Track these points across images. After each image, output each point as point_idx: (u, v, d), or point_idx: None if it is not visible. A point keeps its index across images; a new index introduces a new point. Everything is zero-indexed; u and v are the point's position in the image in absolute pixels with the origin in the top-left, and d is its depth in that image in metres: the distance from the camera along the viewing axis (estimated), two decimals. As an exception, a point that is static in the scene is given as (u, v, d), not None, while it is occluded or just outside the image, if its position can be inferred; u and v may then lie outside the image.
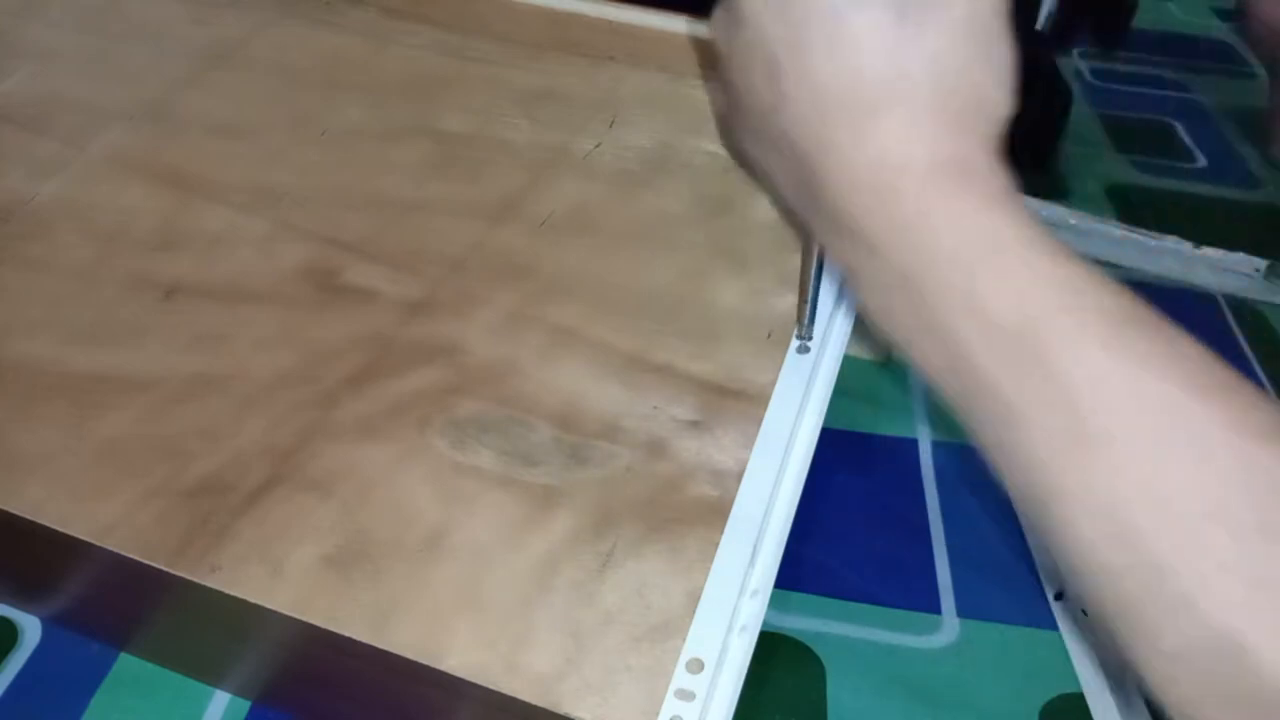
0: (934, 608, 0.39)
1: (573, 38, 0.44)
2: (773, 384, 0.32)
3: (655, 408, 0.31)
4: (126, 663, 0.36)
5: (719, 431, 0.31)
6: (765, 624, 0.27)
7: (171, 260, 0.37)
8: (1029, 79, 0.28)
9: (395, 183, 0.39)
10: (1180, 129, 0.71)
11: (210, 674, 0.35)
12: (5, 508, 0.30)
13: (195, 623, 0.33)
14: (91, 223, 0.39)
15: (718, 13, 0.30)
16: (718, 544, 0.28)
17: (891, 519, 0.43)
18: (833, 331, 0.33)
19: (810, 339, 0.33)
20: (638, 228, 0.37)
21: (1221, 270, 0.56)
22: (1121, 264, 0.56)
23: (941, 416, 0.48)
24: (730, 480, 0.30)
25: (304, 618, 0.28)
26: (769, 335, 0.33)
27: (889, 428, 0.47)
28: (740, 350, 0.33)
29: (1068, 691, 0.37)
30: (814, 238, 0.31)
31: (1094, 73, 0.78)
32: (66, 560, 0.32)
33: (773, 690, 0.36)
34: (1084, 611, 0.38)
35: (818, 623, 0.39)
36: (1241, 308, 0.55)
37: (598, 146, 0.40)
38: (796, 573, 0.40)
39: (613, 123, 0.41)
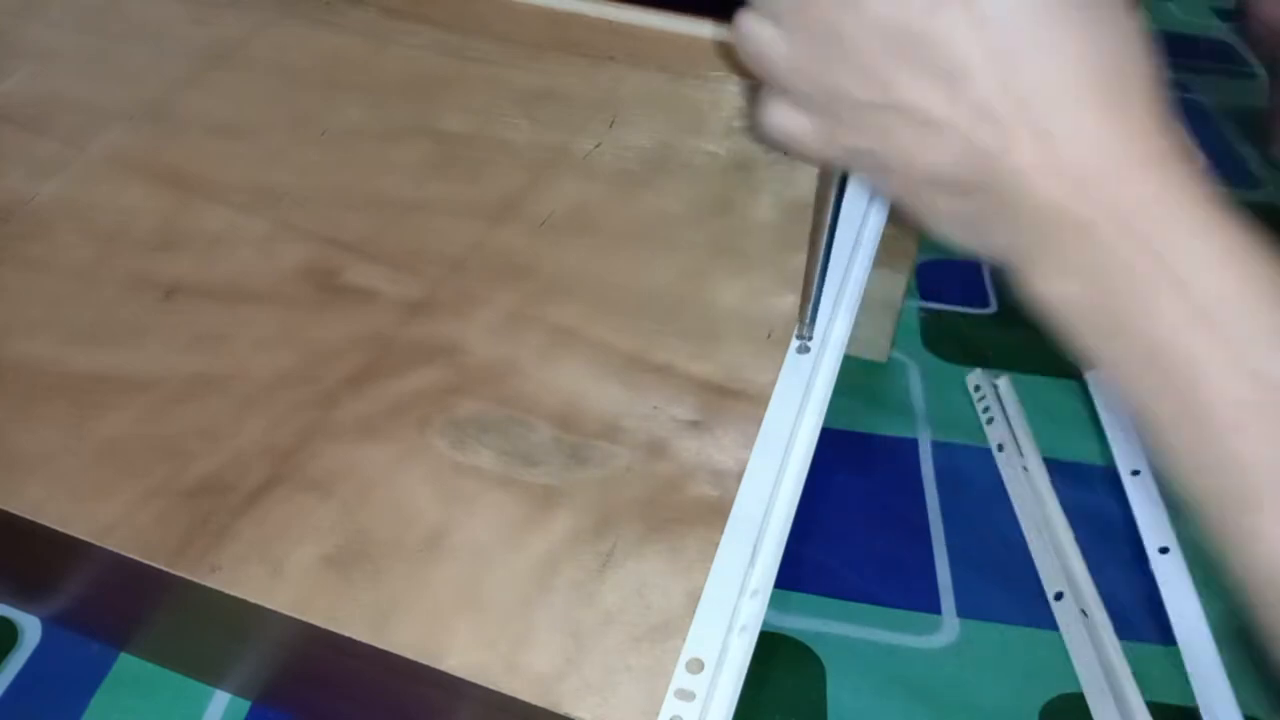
0: (934, 608, 0.39)
1: (573, 38, 0.44)
2: (773, 384, 0.32)
3: (655, 408, 0.31)
4: (126, 663, 0.36)
5: (719, 431, 0.31)
6: (765, 624, 0.27)
7: (171, 260, 0.37)
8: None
9: (395, 183, 0.39)
10: (1180, 129, 0.71)
11: (210, 674, 0.35)
12: (5, 508, 0.30)
13: (195, 623, 0.33)
14: (91, 223, 0.39)
15: (863, 18, 0.27)
16: (718, 544, 0.28)
17: (891, 519, 0.43)
18: (833, 331, 0.33)
19: (810, 339, 0.33)
20: (638, 228, 0.37)
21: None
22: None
23: (941, 416, 0.48)
24: (730, 480, 0.30)
25: (304, 618, 0.27)
26: (769, 335, 0.33)
27: (889, 428, 0.47)
28: (740, 350, 0.33)
29: (1068, 691, 0.37)
30: (959, 230, 0.29)
31: (1094, 73, 0.78)
32: (66, 560, 0.32)
33: (773, 690, 0.36)
34: (1084, 612, 0.38)
35: (818, 623, 0.39)
36: (1241, 308, 0.54)
37: (598, 146, 0.40)
38: (796, 573, 0.40)
39: (613, 123, 0.41)
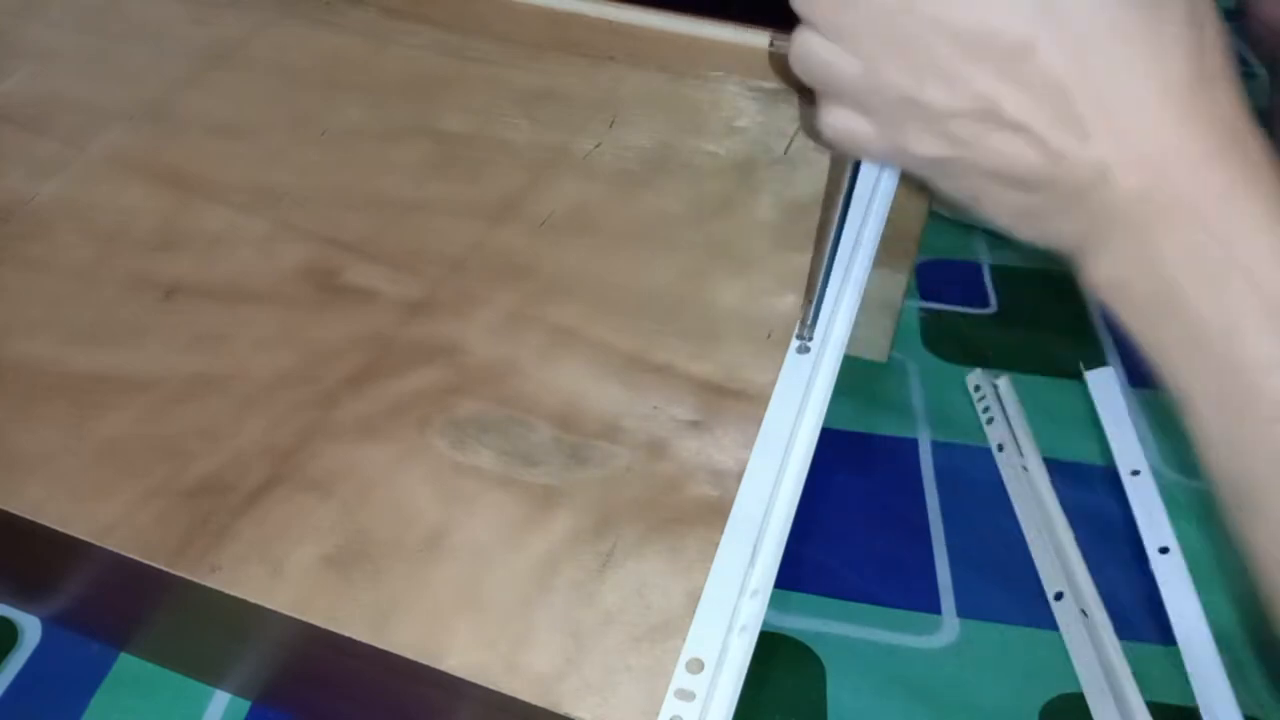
0: (934, 608, 0.39)
1: (573, 38, 0.44)
2: (773, 384, 0.32)
3: (655, 408, 0.31)
4: (126, 663, 0.36)
5: (719, 431, 0.31)
6: (765, 624, 0.27)
7: (171, 260, 0.37)
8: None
9: (395, 183, 0.39)
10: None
11: (210, 674, 0.35)
12: (5, 508, 0.30)
13: (195, 623, 0.33)
14: (91, 223, 0.39)
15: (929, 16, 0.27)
16: (718, 544, 0.28)
17: (891, 519, 0.43)
18: (833, 331, 0.33)
19: (811, 339, 0.33)
20: (638, 228, 0.37)
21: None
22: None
23: (941, 416, 0.48)
24: (730, 480, 0.30)
25: (304, 618, 0.27)
26: (769, 335, 0.33)
27: (889, 428, 0.47)
28: (740, 350, 0.33)
29: (1068, 691, 0.37)
30: (1009, 214, 0.29)
31: (1094, 73, 0.78)
32: (66, 560, 0.32)
33: (773, 690, 0.36)
34: (1084, 612, 0.38)
35: (818, 623, 0.39)
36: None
37: (598, 146, 0.40)
38: (796, 573, 0.40)
39: (613, 123, 0.41)
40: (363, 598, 0.28)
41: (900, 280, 0.47)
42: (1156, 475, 0.42)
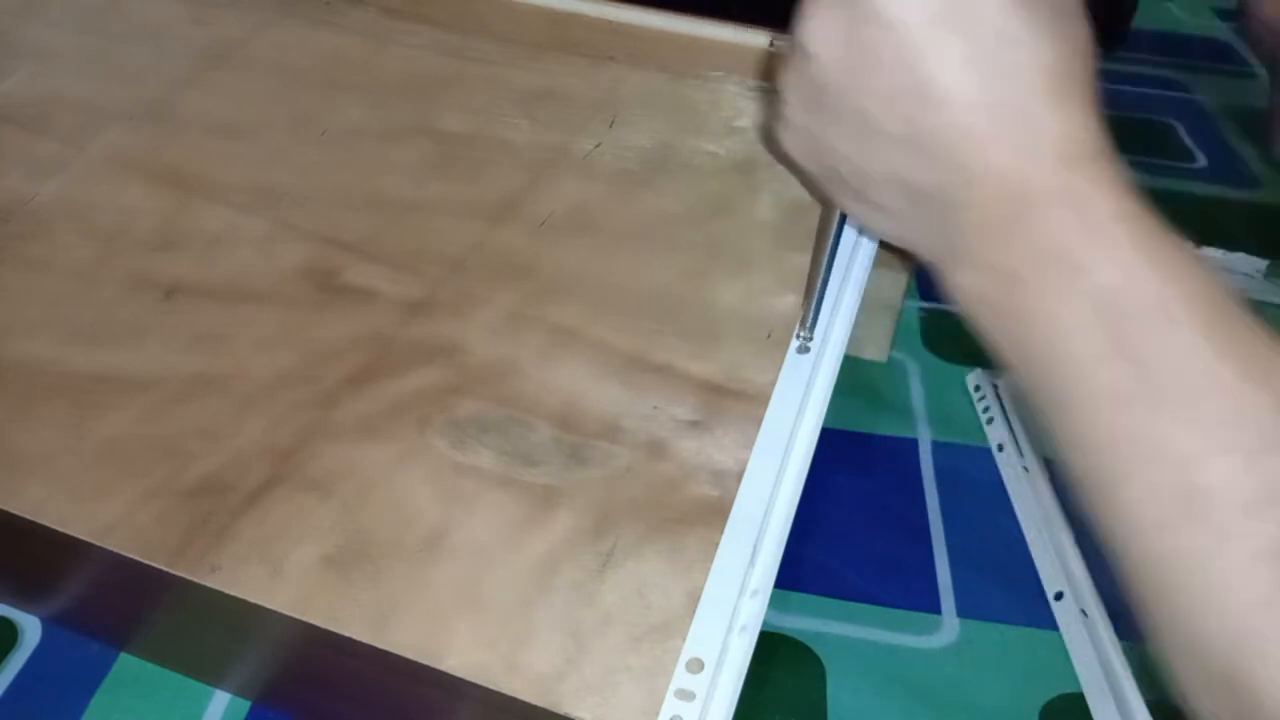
0: (934, 608, 0.39)
1: (573, 38, 0.44)
2: (773, 384, 0.32)
3: (655, 408, 0.31)
4: (126, 663, 0.36)
5: (719, 431, 0.31)
6: (765, 624, 0.27)
7: (171, 260, 0.37)
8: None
9: (395, 183, 0.39)
10: (1180, 129, 0.71)
11: (210, 674, 0.35)
12: (5, 508, 0.30)
13: (195, 623, 0.33)
14: (91, 223, 0.39)
15: (821, 17, 0.29)
16: (718, 544, 0.28)
17: (891, 519, 0.43)
18: (833, 331, 0.33)
19: (811, 339, 0.33)
20: (638, 228, 0.37)
21: (1221, 270, 0.56)
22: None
23: (941, 416, 0.48)
24: (730, 480, 0.30)
25: (304, 618, 0.27)
26: (769, 335, 0.33)
27: (889, 428, 0.47)
28: (740, 350, 0.33)
29: (1068, 691, 0.37)
30: (893, 226, 0.31)
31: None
32: (66, 560, 0.32)
33: (773, 690, 0.36)
34: (1084, 612, 0.38)
35: (818, 623, 0.39)
36: (1242, 308, 0.55)
37: (598, 146, 0.40)
38: (796, 573, 0.40)
39: (613, 123, 0.41)
40: (363, 598, 0.28)
41: (900, 280, 0.47)
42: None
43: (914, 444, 0.46)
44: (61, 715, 0.34)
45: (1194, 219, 0.61)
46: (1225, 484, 0.23)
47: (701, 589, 0.27)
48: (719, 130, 0.40)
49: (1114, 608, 0.38)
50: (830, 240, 0.32)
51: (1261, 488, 0.23)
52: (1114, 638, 0.37)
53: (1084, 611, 0.38)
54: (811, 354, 0.33)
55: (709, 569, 0.28)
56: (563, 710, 0.26)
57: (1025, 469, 0.44)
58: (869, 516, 0.43)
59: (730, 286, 0.35)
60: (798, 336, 0.33)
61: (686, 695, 0.26)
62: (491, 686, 0.26)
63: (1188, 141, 0.70)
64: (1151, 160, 0.67)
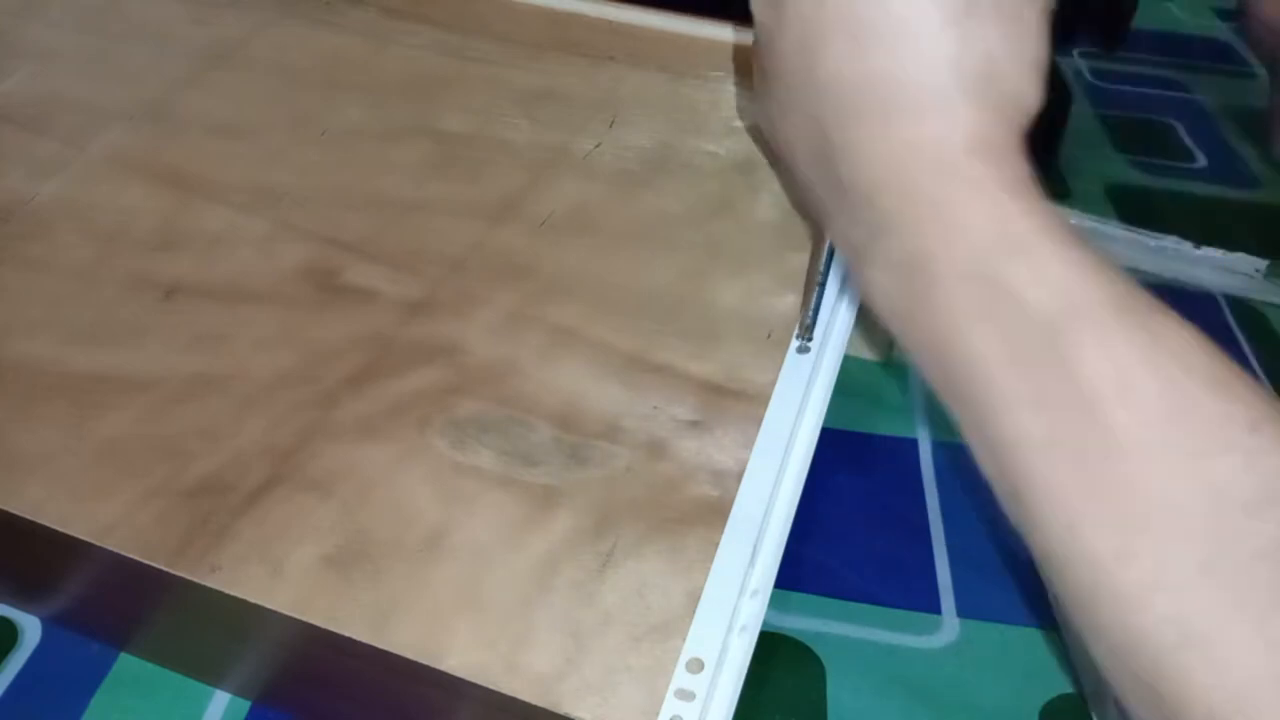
0: (934, 608, 0.39)
1: (573, 38, 0.44)
2: (773, 384, 0.32)
3: (655, 408, 0.31)
4: (126, 663, 0.36)
5: (719, 431, 0.31)
6: (765, 624, 0.27)
7: (171, 260, 0.37)
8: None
9: (395, 183, 0.39)
10: (1180, 129, 0.71)
11: (210, 674, 0.35)
12: (5, 508, 0.30)
13: (195, 623, 0.33)
14: (91, 223, 0.39)
15: None
16: (718, 544, 0.28)
17: (891, 519, 0.43)
18: (833, 331, 0.33)
19: (811, 339, 0.33)
20: (638, 228, 0.37)
21: (1221, 270, 0.56)
22: (1121, 264, 0.56)
23: (942, 416, 0.48)
24: (730, 480, 0.30)
25: (304, 618, 0.27)
26: (769, 335, 0.33)
27: (889, 428, 0.47)
28: (740, 350, 0.33)
29: (1068, 691, 0.37)
30: (824, 221, 0.31)
31: (1094, 73, 0.78)
32: (66, 560, 0.32)
33: (773, 690, 0.36)
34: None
35: (818, 623, 0.39)
36: (1241, 308, 0.55)
37: (598, 146, 0.40)
38: (796, 573, 0.40)
39: (613, 123, 0.41)
40: (363, 598, 0.28)
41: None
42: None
43: (914, 444, 0.46)
44: (61, 715, 0.34)
45: (1194, 219, 0.61)
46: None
47: (701, 589, 0.27)
48: (719, 130, 0.40)
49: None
50: (828, 240, 0.32)
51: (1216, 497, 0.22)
52: (1114, 638, 0.37)
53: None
54: (811, 354, 0.33)
55: (709, 569, 0.28)
56: (563, 710, 0.26)
57: (1025, 469, 0.44)
58: (869, 516, 0.43)
59: (730, 286, 0.35)
60: (798, 336, 0.33)
61: (686, 695, 0.26)
62: (491, 686, 0.26)
63: (1188, 141, 0.70)
64: (1151, 160, 0.67)
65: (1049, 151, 0.64)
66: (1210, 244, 0.57)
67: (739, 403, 0.31)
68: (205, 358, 0.34)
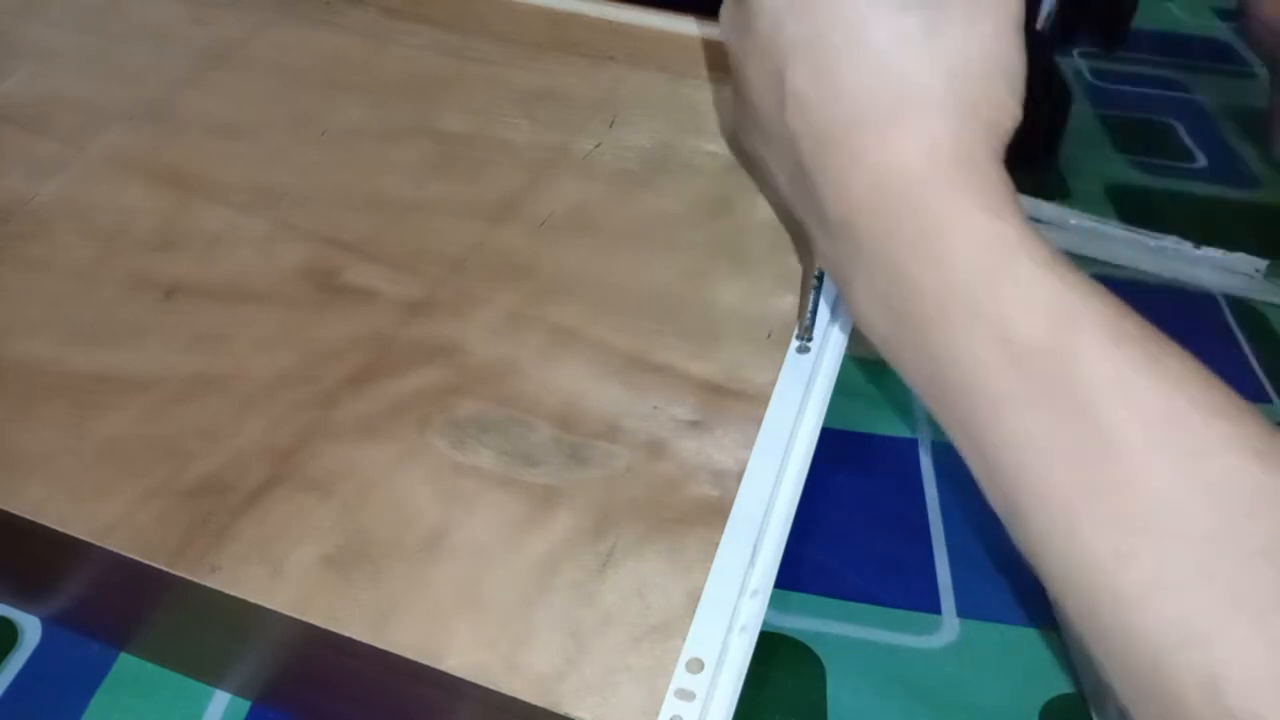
0: (934, 608, 0.39)
1: (573, 38, 0.44)
2: (773, 384, 0.32)
3: (655, 408, 0.31)
4: (126, 663, 0.36)
5: (719, 431, 0.31)
6: (765, 624, 0.27)
7: (171, 260, 0.37)
8: (1029, 79, 0.28)
9: (395, 183, 0.39)
10: (1180, 129, 0.71)
11: (210, 674, 0.35)
12: (5, 508, 0.30)
13: (195, 623, 0.33)
14: (91, 223, 0.39)
15: (727, 6, 0.30)
16: (718, 544, 0.28)
17: (891, 519, 0.43)
18: (833, 331, 0.33)
19: (810, 339, 0.33)
20: (638, 228, 0.37)
21: (1221, 270, 0.56)
22: (1121, 264, 0.56)
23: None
24: (730, 480, 0.30)
25: (304, 618, 0.27)
26: (769, 335, 0.33)
27: (889, 428, 0.47)
28: (740, 350, 0.33)
29: (1068, 691, 0.37)
30: (813, 245, 0.31)
31: (1094, 73, 0.78)
32: (66, 560, 0.32)
33: (773, 690, 0.36)
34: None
35: (818, 623, 0.39)
36: (1241, 308, 0.55)
37: (598, 146, 0.40)
38: (796, 573, 0.40)
39: (613, 123, 0.41)
40: (363, 598, 0.28)
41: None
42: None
43: (914, 444, 0.46)
44: (61, 715, 0.34)
45: (1194, 219, 0.61)
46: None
47: (701, 589, 0.27)
48: (719, 130, 0.40)
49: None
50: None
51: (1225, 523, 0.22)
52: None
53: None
54: (811, 354, 0.33)
55: (709, 569, 0.28)
56: (563, 710, 0.26)
57: (1025, 469, 0.44)
58: (869, 516, 0.43)
59: (730, 286, 0.35)
60: (798, 336, 0.33)
61: (686, 695, 0.26)
62: (491, 686, 0.26)
63: (1188, 141, 0.70)
64: (1151, 160, 0.67)
65: (1049, 151, 0.64)
66: (1210, 244, 0.57)
67: (739, 403, 0.31)
68: (205, 358, 0.34)
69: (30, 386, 0.33)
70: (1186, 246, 0.57)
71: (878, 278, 0.27)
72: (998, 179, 0.26)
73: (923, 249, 0.25)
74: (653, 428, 0.31)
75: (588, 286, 0.35)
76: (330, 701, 0.34)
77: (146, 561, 0.29)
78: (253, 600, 0.28)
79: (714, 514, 0.29)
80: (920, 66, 0.26)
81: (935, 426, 0.47)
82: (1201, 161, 0.68)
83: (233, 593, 0.28)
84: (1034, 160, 0.64)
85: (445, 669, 0.26)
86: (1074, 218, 0.58)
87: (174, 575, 0.29)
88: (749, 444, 0.30)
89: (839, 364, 0.33)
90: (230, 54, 0.45)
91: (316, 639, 0.28)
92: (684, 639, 0.27)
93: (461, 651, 0.27)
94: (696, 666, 0.26)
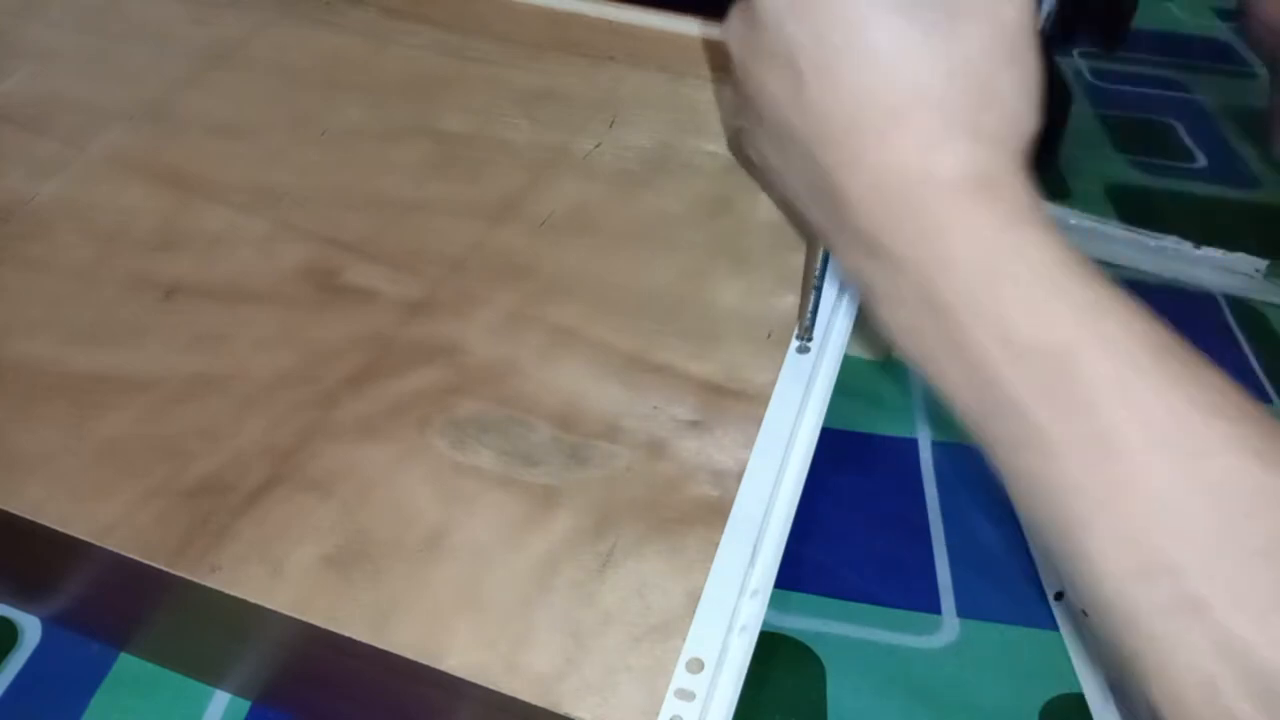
0: (934, 608, 0.39)
1: (573, 38, 0.44)
2: (773, 384, 0.32)
3: (655, 408, 0.31)
4: (126, 663, 0.36)
5: (719, 431, 0.31)
6: (765, 624, 0.27)
7: (171, 260, 0.37)
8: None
9: (395, 183, 0.39)
10: (1180, 129, 0.71)
11: (210, 674, 0.35)
12: (5, 508, 0.30)
13: (195, 623, 0.33)
14: (91, 223, 0.39)
15: (733, 14, 0.29)
16: (718, 544, 0.28)
17: (891, 519, 0.43)
18: (833, 331, 0.33)
19: (810, 339, 0.33)
20: (638, 228, 0.37)
21: (1221, 270, 0.56)
22: (1121, 264, 0.56)
23: (941, 416, 0.48)
24: (730, 480, 0.30)
25: (304, 618, 0.27)
26: (769, 335, 0.33)
27: (889, 428, 0.47)
28: (740, 350, 0.33)
29: (1068, 691, 0.37)
30: (829, 248, 0.30)
31: (1094, 73, 0.78)
32: (66, 560, 0.32)
33: (773, 690, 0.36)
34: (1085, 612, 0.38)
35: (818, 623, 0.39)
36: (1241, 308, 0.55)
37: (598, 146, 0.40)
38: (796, 573, 0.40)
39: (613, 123, 0.41)
40: (363, 598, 0.28)
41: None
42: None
43: (914, 444, 0.46)
44: (61, 715, 0.34)
45: (1194, 219, 0.61)
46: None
47: (701, 589, 0.27)
48: (719, 130, 0.40)
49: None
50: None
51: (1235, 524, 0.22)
52: (1114, 638, 0.37)
53: (1084, 611, 0.38)
54: (811, 354, 0.33)
55: (709, 569, 0.28)
56: (563, 710, 0.26)
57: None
58: (869, 516, 0.43)
59: (730, 286, 0.35)
60: (798, 336, 0.33)
61: (686, 695, 0.26)
62: (491, 686, 0.26)
63: (1188, 141, 0.70)
64: (1151, 160, 0.67)
65: (1049, 151, 0.64)
66: (1210, 244, 0.57)
67: (739, 403, 0.31)
68: (205, 358, 0.34)
69: (30, 386, 0.33)
70: (1186, 246, 0.57)
71: (899, 287, 0.26)
72: (1005, 178, 0.26)
73: (924, 249, 0.25)
74: (653, 428, 0.31)
75: (588, 286, 0.35)
76: (330, 701, 0.34)
77: (146, 561, 0.29)
78: (253, 600, 0.28)
79: (714, 514, 0.29)
80: (920, 67, 0.26)
81: (935, 426, 0.47)
82: (1201, 161, 0.68)
83: (233, 593, 0.28)
84: (1034, 160, 0.64)
85: (445, 669, 0.26)
86: (1074, 218, 0.58)
87: (174, 575, 0.29)
88: (749, 444, 0.30)
89: (839, 364, 0.33)
90: (230, 54, 0.45)
91: (316, 639, 0.28)
92: (684, 639, 0.27)
93: (461, 651, 0.27)
94: (696, 666, 0.26)
